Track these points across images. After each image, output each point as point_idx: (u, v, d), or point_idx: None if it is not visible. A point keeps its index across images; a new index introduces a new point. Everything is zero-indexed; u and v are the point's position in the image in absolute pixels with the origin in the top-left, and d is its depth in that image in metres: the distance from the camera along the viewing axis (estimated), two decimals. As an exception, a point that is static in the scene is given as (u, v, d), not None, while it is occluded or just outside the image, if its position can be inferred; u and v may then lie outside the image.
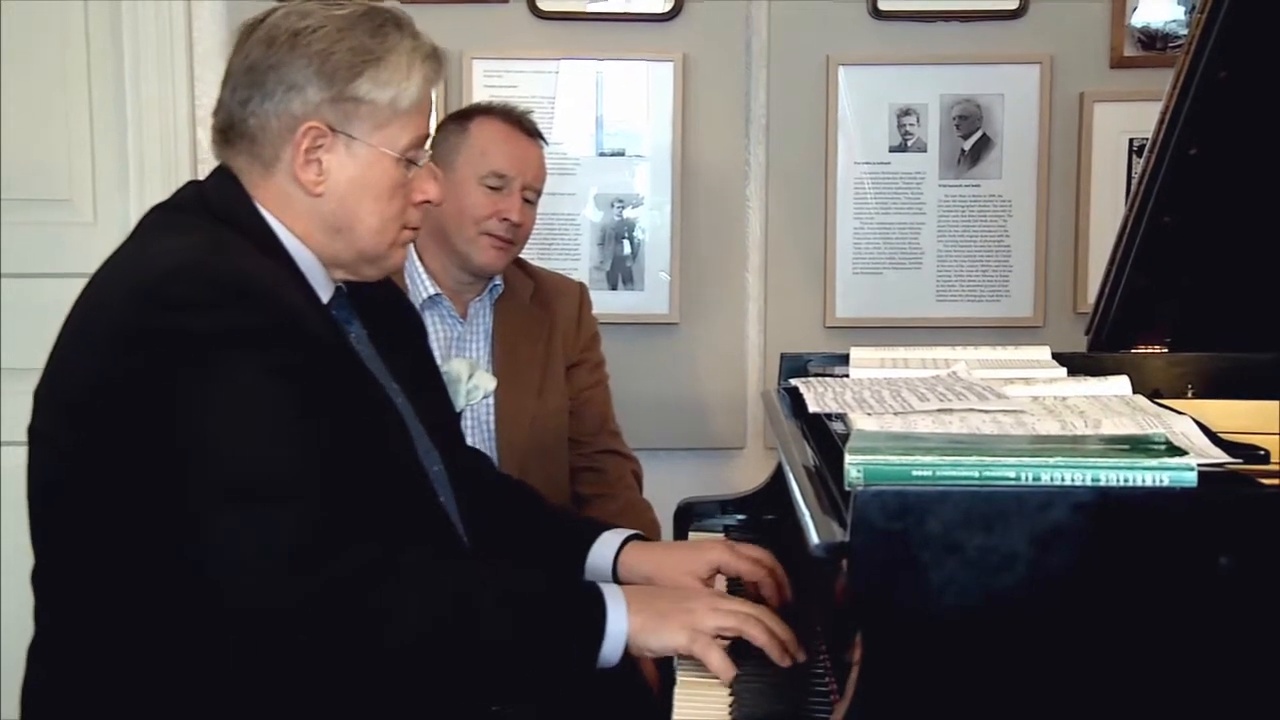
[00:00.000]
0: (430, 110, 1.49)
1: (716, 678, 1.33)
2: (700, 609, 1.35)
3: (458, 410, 1.76)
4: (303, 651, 1.23)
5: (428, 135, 1.49)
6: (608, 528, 1.66)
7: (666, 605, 1.36)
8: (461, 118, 2.20)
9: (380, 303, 1.60)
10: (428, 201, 1.49)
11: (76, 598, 1.35)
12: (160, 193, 1.52)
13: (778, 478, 1.87)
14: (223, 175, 1.46)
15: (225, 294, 1.28)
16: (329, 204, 1.42)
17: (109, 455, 1.28)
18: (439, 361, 2.05)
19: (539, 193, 2.20)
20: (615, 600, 1.33)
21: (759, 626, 1.35)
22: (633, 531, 1.65)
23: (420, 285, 2.16)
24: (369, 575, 1.24)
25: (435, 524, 1.49)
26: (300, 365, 1.30)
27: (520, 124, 2.17)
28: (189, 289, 1.28)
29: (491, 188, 2.12)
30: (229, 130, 1.44)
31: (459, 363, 1.84)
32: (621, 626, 1.31)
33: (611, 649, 1.32)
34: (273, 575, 1.21)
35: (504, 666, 1.29)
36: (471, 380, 1.84)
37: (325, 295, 1.47)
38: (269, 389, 1.26)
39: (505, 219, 2.11)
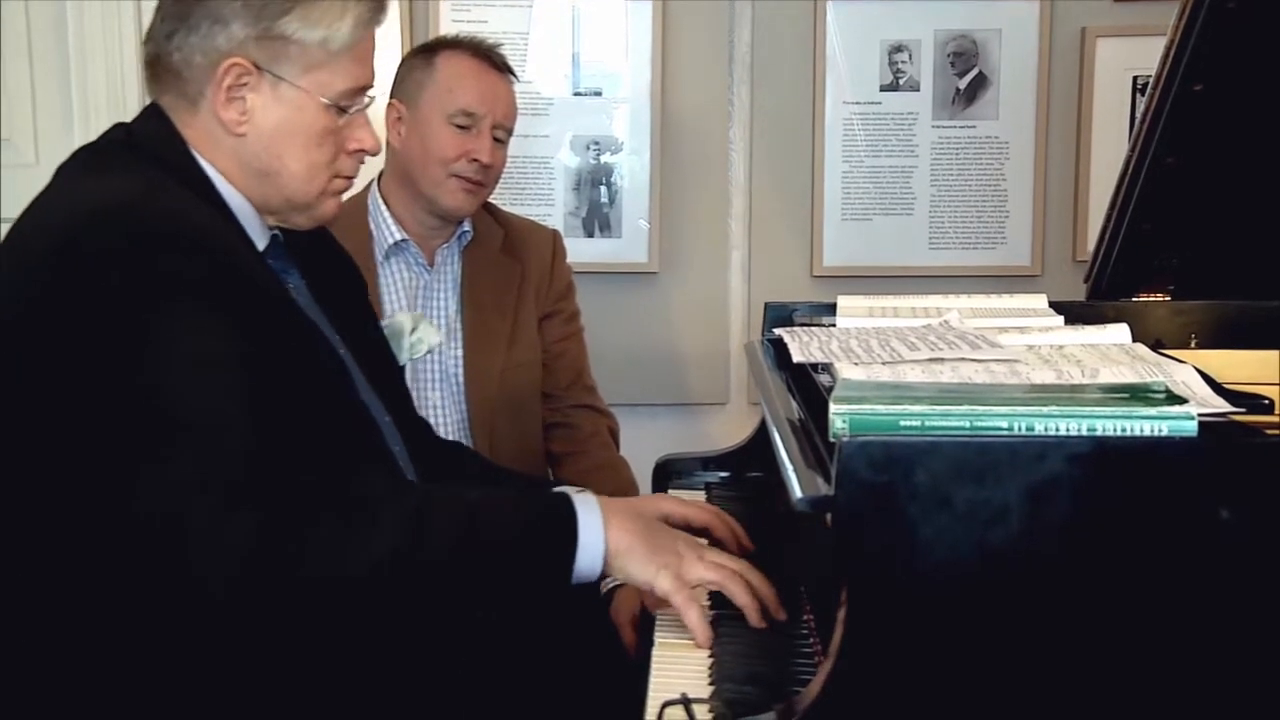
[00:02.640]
0: (371, 56, 1.47)
1: (694, 639, 1.33)
2: (689, 556, 1.35)
3: (401, 365, 1.76)
4: (254, 596, 1.21)
5: (368, 85, 1.47)
6: (556, 485, 1.69)
7: (658, 538, 1.36)
8: (426, 52, 2.17)
9: (319, 254, 1.59)
10: (363, 151, 1.48)
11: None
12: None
13: (762, 433, 1.87)
14: (152, 114, 1.45)
15: (156, 239, 1.27)
16: (252, 146, 1.42)
17: (38, 404, 1.26)
18: (394, 312, 2.06)
19: (510, 132, 2.18)
20: (590, 511, 1.33)
21: (742, 585, 1.35)
22: (578, 489, 1.66)
23: (385, 230, 2.14)
24: (308, 508, 1.23)
25: (383, 468, 1.49)
26: (237, 311, 1.29)
27: (489, 58, 2.15)
28: (117, 234, 1.26)
29: (459, 127, 2.10)
30: (156, 64, 1.43)
31: (402, 316, 1.85)
32: (597, 538, 1.31)
33: (588, 562, 1.31)
34: (210, 512, 1.19)
35: (469, 582, 1.28)
36: (415, 334, 1.83)
37: (261, 243, 1.46)
38: (205, 335, 1.26)
39: (474, 160, 2.09)
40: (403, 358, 1.76)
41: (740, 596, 1.35)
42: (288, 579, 1.21)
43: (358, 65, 1.44)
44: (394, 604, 1.25)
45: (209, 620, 1.24)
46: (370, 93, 1.49)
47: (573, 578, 1.31)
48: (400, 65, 2.20)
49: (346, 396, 1.47)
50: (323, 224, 1.52)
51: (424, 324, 1.83)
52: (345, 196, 1.54)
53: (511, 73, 2.19)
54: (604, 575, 1.34)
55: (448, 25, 2.68)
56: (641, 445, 2.29)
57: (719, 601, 1.40)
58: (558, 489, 1.38)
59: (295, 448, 1.27)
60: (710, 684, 1.24)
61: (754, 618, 1.34)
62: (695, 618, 1.32)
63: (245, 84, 1.39)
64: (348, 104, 1.44)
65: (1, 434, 1.29)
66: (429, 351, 1.83)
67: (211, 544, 1.19)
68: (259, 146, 1.42)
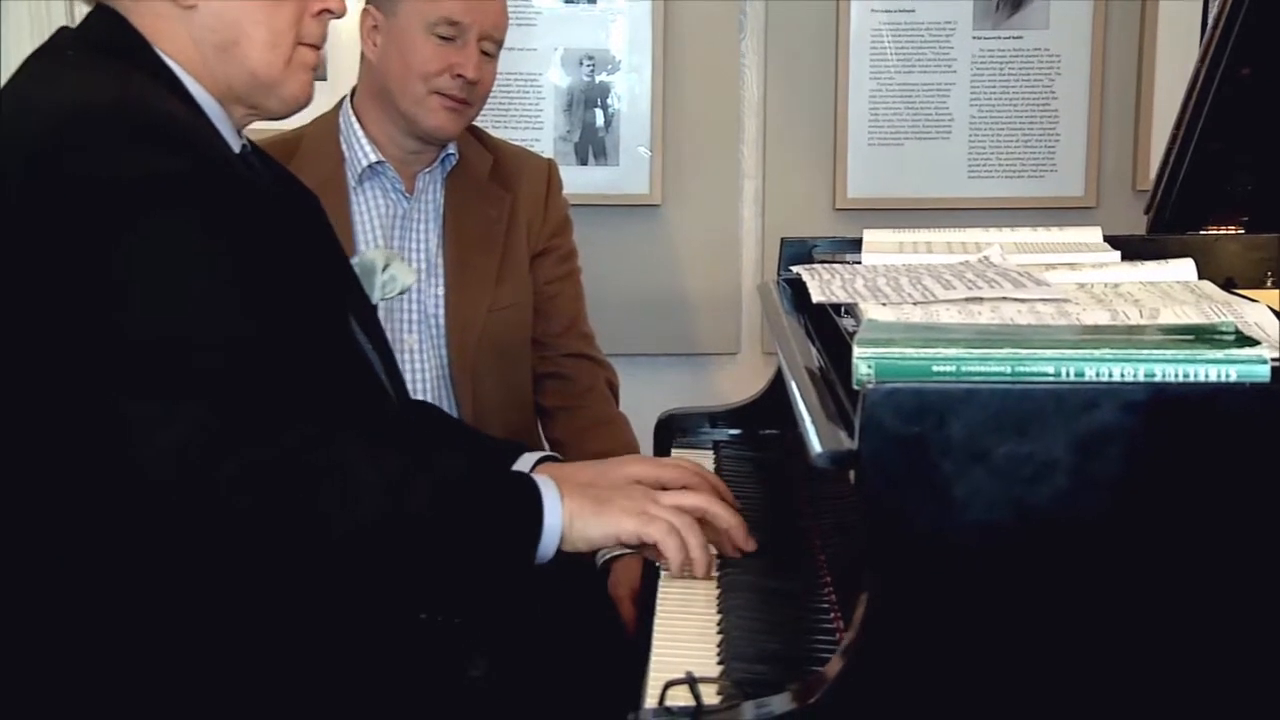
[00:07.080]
0: None
1: (696, 610, 1.35)
2: (643, 495, 1.42)
3: (374, 304, 1.78)
4: (227, 543, 1.28)
5: None
6: (529, 450, 1.70)
7: (604, 491, 1.42)
8: (405, -47, 2.15)
9: (281, 179, 1.62)
10: (328, 12, 1.49)
11: None
12: (30, 38, 1.51)
13: (776, 386, 1.87)
14: (100, 13, 1.46)
15: (144, 136, 1.30)
16: (206, 18, 1.43)
17: (17, 316, 1.28)
18: (368, 246, 2.07)
19: (499, 44, 2.16)
20: (550, 491, 1.38)
21: (721, 505, 1.43)
22: (546, 454, 1.70)
23: (359, 151, 2.13)
24: (294, 461, 1.28)
25: (372, 397, 1.54)
26: (231, 217, 1.32)
27: None
28: (103, 131, 1.29)
29: (443, 38, 2.08)
30: None
31: (373, 252, 1.86)
32: (556, 520, 1.37)
33: (547, 544, 1.37)
34: (191, 462, 1.24)
35: (436, 562, 1.34)
36: (387, 271, 1.84)
37: (235, 146, 1.49)
38: (196, 246, 1.30)
39: (459, 75, 2.08)
40: (374, 296, 1.77)
41: (723, 515, 1.42)
42: (269, 533, 1.27)
43: None
44: (351, 574, 1.32)
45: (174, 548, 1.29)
46: None
47: (533, 561, 1.37)
48: (374, -30, 2.18)
49: (340, 317, 1.51)
50: (294, 107, 1.53)
51: (397, 262, 1.84)
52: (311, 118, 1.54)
53: (501, -22, 2.18)
54: (560, 552, 1.38)
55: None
56: (643, 400, 2.29)
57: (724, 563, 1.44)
58: (520, 472, 1.46)
59: (284, 382, 1.32)
60: (719, 663, 1.25)
61: (741, 539, 1.43)
62: (675, 546, 1.37)
63: None
64: None
65: None
66: (402, 292, 1.84)
67: (185, 490, 1.24)
68: (213, 17, 1.43)
